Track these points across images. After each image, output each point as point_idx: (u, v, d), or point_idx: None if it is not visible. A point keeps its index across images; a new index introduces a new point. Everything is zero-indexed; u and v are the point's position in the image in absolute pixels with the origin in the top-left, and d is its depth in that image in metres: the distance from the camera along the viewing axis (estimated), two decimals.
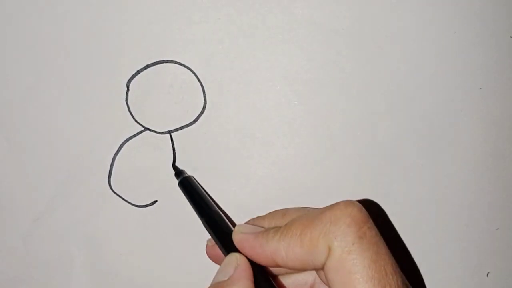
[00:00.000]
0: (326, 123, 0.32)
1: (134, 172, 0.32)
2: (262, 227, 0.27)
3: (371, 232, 0.22)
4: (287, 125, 0.32)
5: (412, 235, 0.33)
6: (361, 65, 0.32)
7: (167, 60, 0.32)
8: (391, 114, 0.33)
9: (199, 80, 0.32)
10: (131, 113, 0.32)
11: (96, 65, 0.32)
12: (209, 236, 0.29)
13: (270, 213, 0.29)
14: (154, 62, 0.32)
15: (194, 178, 0.32)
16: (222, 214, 0.29)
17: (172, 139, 0.32)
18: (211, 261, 0.30)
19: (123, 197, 0.33)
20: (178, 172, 0.32)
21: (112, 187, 0.32)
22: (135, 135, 0.32)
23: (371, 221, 0.23)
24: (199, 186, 0.31)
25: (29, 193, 0.33)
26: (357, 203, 0.23)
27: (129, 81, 0.32)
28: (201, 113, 0.32)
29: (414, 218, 0.33)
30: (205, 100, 0.32)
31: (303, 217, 0.24)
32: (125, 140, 0.32)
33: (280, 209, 0.28)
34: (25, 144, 0.33)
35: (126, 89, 0.32)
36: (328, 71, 0.32)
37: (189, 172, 0.32)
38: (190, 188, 0.30)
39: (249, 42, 0.32)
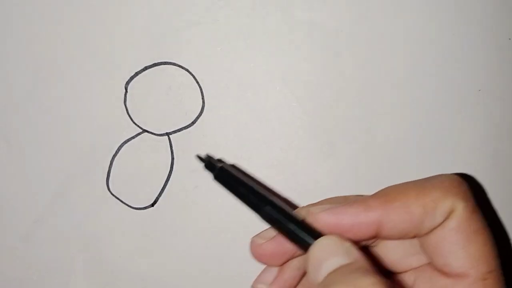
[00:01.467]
0: (325, 125, 0.32)
1: (132, 174, 0.32)
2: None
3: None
4: (286, 127, 0.32)
5: None
6: (360, 67, 0.32)
7: (166, 62, 0.32)
8: (390, 116, 0.33)
9: (197, 82, 0.32)
10: (129, 115, 0.32)
11: (94, 67, 0.32)
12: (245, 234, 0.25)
13: (325, 200, 0.27)
14: (152, 64, 0.32)
15: (233, 166, 0.28)
16: (280, 200, 0.24)
17: (170, 141, 0.32)
18: (207, 263, 0.31)
19: (122, 199, 0.33)
20: (210, 164, 0.26)
21: (111, 189, 0.32)
22: (133, 137, 0.32)
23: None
24: (241, 173, 0.26)
25: (29, 194, 0.33)
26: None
27: (127, 83, 0.32)
28: (199, 115, 0.32)
29: None
30: (203, 102, 0.32)
31: (404, 186, 0.23)
32: (123, 142, 0.32)
33: (336, 197, 0.27)
34: (25, 146, 0.33)
35: (124, 91, 0.32)
36: (327, 73, 0.32)
37: (187, 174, 0.32)
38: (230, 180, 0.25)
39: (248, 44, 0.32)
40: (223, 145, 0.32)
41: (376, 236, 0.23)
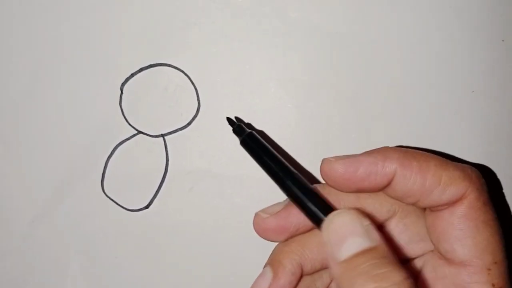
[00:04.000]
0: (321, 126, 0.32)
1: (127, 176, 0.32)
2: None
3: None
4: (281, 129, 0.32)
5: None
6: (356, 68, 0.32)
7: (161, 63, 0.32)
8: (386, 117, 0.33)
9: (193, 84, 0.32)
10: (124, 116, 0.32)
11: (90, 68, 0.32)
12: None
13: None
14: (148, 65, 0.32)
15: (262, 132, 0.28)
16: (300, 175, 0.24)
17: (165, 143, 0.32)
18: (203, 264, 0.30)
19: (116, 201, 0.32)
20: (238, 128, 0.27)
21: (105, 191, 0.32)
22: (128, 139, 0.32)
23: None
24: (265, 143, 0.26)
25: (25, 195, 0.33)
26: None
27: (123, 84, 0.32)
28: (195, 116, 0.32)
29: None
30: (199, 103, 0.32)
31: (428, 154, 0.23)
32: (119, 144, 0.32)
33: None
34: (21, 147, 0.33)
35: (120, 92, 0.32)
36: (323, 74, 0.32)
37: (183, 175, 0.32)
38: (256, 148, 0.26)
39: (244, 45, 0.32)
40: (219, 146, 0.32)
41: (382, 190, 0.23)
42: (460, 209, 0.22)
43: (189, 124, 0.32)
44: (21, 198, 0.33)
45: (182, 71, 0.32)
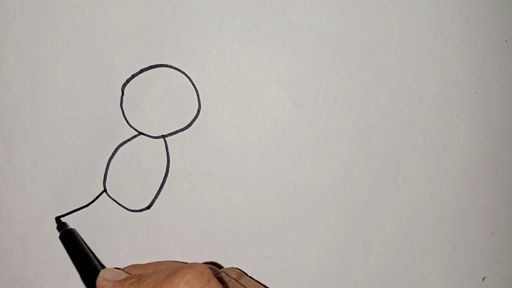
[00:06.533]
0: (321, 127, 0.32)
1: (129, 177, 0.32)
2: (128, 273, 0.28)
3: None
4: (282, 129, 0.32)
5: (406, 237, 0.33)
6: (356, 69, 0.32)
7: (162, 64, 0.32)
8: (386, 119, 0.32)
9: (193, 85, 0.32)
10: (125, 118, 0.32)
11: (91, 69, 0.32)
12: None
13: (147, 263, 0.31)
14: (149, 66, 0.32)
15: (76, 231, 0.32)
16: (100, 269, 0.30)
17: (166, 144, 0.32)
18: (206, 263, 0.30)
19: (118, 201, 0.33)
20: (60, 225, 0.32)
21: (107, 191, 0.33)
22: (129, 140, 0.32)
23: (214, 282, 0.24)
24: (81, 240, 0.32)
25: (27, 196, 0.33)
26: (200, 266, 0.24)
27: (124, 85, 0.32)
28: (196, 117, 0.32)
29: (409, 222, 0.33)
30: (199, 104, 0.32)
31: (156, 276, 0.25)
32: (120, 145, 0.32)
33: (157, 261, 0.31)
34: (22, 148, 0.33)
35: (121, 93, 0.32)
36: (323, 75, 0.32)
37: (183, 176, 0.32)
38: (70, 242, 0.31)
39: (244, 46, 0.32)
40: (219, 147, 0.32)
41: None
42: None
43: (189, 125, 0.32)
44: (23, 199, 0.33)
45: (183, 72, 0.32)
